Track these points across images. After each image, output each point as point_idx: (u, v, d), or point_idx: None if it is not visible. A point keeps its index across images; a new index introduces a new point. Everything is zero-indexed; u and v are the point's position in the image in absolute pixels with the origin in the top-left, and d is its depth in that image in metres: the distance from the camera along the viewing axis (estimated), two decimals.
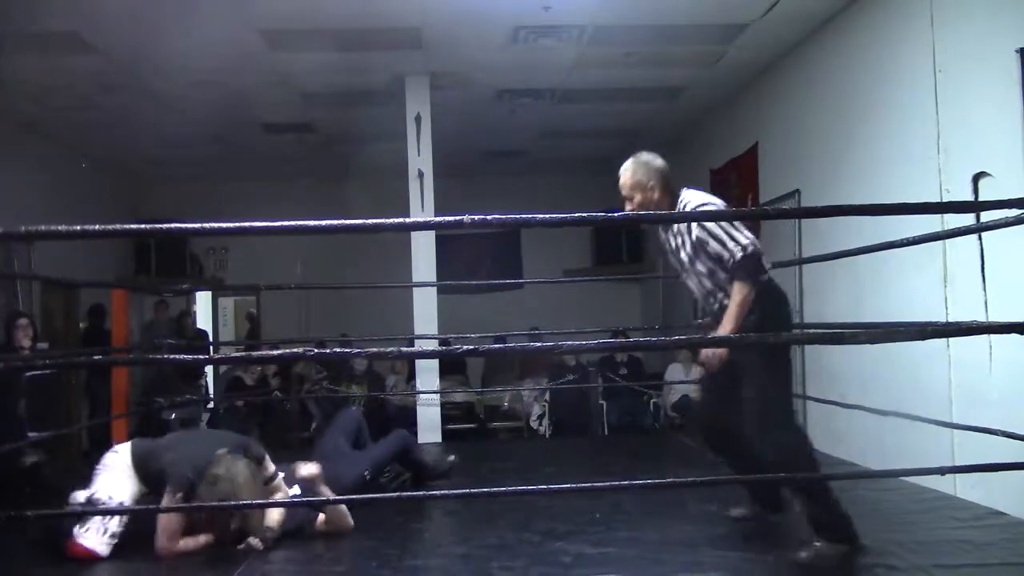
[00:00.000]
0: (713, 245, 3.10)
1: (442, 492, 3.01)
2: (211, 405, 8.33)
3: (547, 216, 2.36)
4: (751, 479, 3.38)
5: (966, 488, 3.93)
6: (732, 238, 3.06)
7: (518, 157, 10.44)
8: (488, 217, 2.23)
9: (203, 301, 11.91)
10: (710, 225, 3.10)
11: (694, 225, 3.16)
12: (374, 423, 5.47)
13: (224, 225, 2.24)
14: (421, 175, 6.95)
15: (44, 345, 6.42)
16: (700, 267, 3.22)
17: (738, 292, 3.04)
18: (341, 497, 3.58)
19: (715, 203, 3.24)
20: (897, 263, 4.88)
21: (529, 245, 11.49)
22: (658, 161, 3.29)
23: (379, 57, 6.67)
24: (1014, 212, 2.42)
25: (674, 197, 3.27)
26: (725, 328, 3.01)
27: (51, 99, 7.34)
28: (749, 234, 3.09)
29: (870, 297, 5.39)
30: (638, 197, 3.24)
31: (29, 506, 3.77)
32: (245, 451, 3.47)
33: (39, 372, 5.75)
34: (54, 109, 7.62)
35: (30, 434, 5.23)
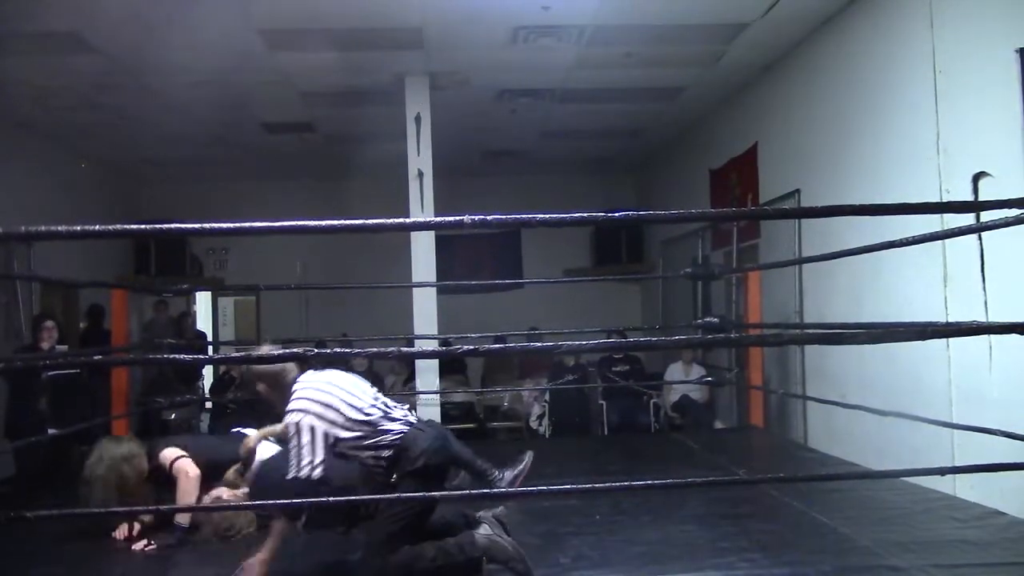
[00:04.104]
0: (291, 444, 2.92)
1: (441, 493, 3.00)
2: (208, 405, 8.33)
3: (547, 216, 2.35)
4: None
5: (966, 488, 3.93)
6: (300, 456, 2.87)
7: (518, 157, 10.44)
8: (488, 217, 2.23)
9: (203, 301, 11.92)
10: (304, 429, 2.91)
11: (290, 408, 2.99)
12: None
13: (224, 225, 2.24)
14: (421, 175, 6.94)
15: (64, 347, 6.42)
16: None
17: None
18: (344, 499, 3.55)
19: (302, 407, 2.99)
20: (897, 263, 4.88)
21: (529, 245, 11.50)
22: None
23: (379, 57, 6.67)
24: (1014, 212, 2.42)
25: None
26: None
27: (51, 99, 7.34)
28: (317, 463, 2.87)
29: (870, 297, 5.39)
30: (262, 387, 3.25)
31: None
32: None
33: (61, 372, 5.79)
34: (54, 109, 7.62)
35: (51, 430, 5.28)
